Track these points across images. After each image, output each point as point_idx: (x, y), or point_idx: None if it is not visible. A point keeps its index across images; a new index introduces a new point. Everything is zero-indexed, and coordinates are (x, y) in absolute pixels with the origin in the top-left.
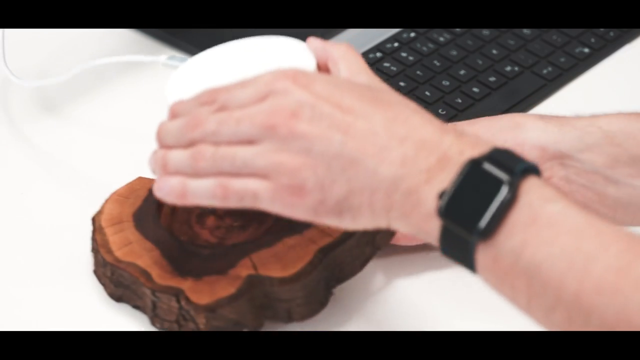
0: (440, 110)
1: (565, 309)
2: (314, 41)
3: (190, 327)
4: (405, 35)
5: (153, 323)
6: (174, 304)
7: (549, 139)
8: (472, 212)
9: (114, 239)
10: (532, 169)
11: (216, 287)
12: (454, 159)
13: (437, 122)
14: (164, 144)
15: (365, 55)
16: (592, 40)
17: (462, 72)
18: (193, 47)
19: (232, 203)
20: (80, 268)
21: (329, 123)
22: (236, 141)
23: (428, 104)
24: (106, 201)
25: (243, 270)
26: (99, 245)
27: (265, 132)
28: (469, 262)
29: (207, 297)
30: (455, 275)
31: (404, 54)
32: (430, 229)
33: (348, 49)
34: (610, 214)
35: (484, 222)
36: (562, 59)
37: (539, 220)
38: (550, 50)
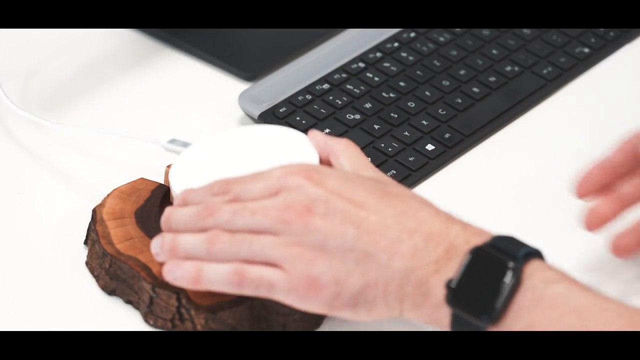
0: (440, 110)
1: None
2: (315, 134)
3: (185, 327)
4: (405, 35)
5: (146, 319)
6: (174, 302)
7: None
8: (479, 299)
9: (115, 232)
10: (534, 253)
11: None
12: (460, 248)
13: (443, 214)
14: (173, 229)
15: (365, 55)
16: (592, 40)
17: (462, 72)
18: (193, 47)
19: (247, 291)
20: (69, 260)
21: (343, 218)
22: (250, 231)
23: (428, 104)
24: (108, 196)
25: None
26: (99, 236)
27: (281, 225)
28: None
29: (209, 299)
30: None
31: (404, 54)
32: (441, 317)
33: (349, 143)
34: None
35: (491, 308)
36: (562, 59)
37: (543, 302)
38: (550, 50)
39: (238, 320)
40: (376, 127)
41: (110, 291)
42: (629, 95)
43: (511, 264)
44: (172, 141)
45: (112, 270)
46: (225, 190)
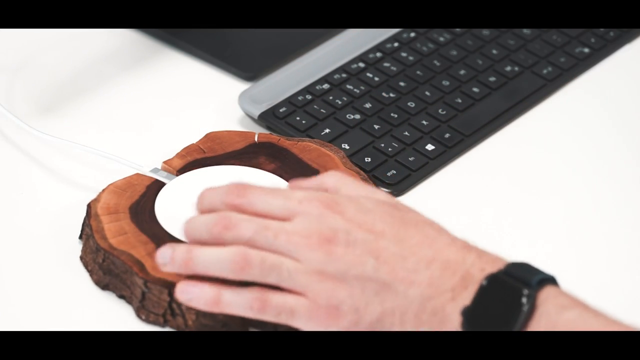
0: (440, 110)
1: None
2: (298, 183)
3: (177, 322)
4: (405, 35)
5: (138, 314)
6: (165, 296)
7: None
8: (494, 325)
9: (109, 227)
10: (548, 280)
11: None
12: (476, 276)
13: (459, 241)
14: (192, 238)
15: (365, 55)
16: (592, 40)
17: (462, 72)
18: (193, 47)
19: (268, 317)
20: (64, 254)
21: (363, 248)
22: (270, 252)
23: (428, 104)
24: (103, 191)
25: None
26: (93, 230)
27: (304, 251)
28: None
29: None
30: None
31: (404, 54)
32: None
33: (339, 173)
34: None
35: None
36: (562, 59)
37: (557, 327)
38: (550, 50)
39: (229, 317)
40: (376, 127)
41: (103, 286)
42: (629, 95)
43: (525, 291)
44: (154, 170)
45: (106, 264)
46: (242, 194)
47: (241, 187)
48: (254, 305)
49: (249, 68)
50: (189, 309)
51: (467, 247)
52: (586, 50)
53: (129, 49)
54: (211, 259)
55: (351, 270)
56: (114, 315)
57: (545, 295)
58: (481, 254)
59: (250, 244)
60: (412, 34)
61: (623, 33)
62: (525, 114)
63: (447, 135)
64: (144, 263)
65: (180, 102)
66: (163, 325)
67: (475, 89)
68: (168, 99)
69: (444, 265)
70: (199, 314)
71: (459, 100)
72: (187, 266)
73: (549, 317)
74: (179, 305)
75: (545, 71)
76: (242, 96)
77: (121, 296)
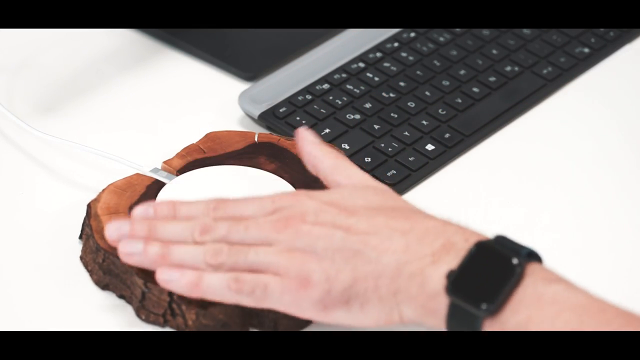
0: (440, 110)
1: None
2: (305, 139)
3: (177, 322)
4: (405, 35)
5: (138, 314)
6: (165, 297)
7: None
8: (480, 290)
9: None
10: (534, 255)
11: None
12: (459, 244)
13: (439, 218)
14: (159, 238)
15: (365, 55)
16: (592, 40)
17: (462, 72)
18: (193, 47)
19: (244, 296)
20: (64, 254)
21: (332, 224)
22: (245, 245)
23: (428, 104)
24: (103, 191)
25: None
26: (93, 230)
27: (273, 235)
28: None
29: None
30: None
31: (404, 54)
32: (437, 307)
33: (337, 155)
34: None
35: (492, 299)
36: (562, 59)
37: (543, 298)
38: (550, 50)
39: (229, 316)
40: (376, 127)
41: (103, 286)
42: (629, 95)
43: (515, 260)
44: (154, 170)
45: (106, 264)
46: (220, 207)
47: (219, 202)
48: (231, 285)
49: (249, 68)
50: (189, 309)
51: (447, 221)
52: (586, 50)
53: (129, 49)
54: (186, 254)
55: (319, 242)
56: (114, 315)
57: (533, 268)
58: (462, 227)
59: (226, 241)
60: (412, 34)
61: (623, 33)
62: (525, 114)
63: (447, 135)
64: None
65: (180, 102)
66: (163, 325)
67: (475, 89)
68: (168, 99)
69: (422, 233)
70: (199, 313)
71: (459, 100)
72: (164, 259)
73: (535, 287)
74: (179, 305)
75: (545, 71)
76: (242, 96)
77: (121, 296)
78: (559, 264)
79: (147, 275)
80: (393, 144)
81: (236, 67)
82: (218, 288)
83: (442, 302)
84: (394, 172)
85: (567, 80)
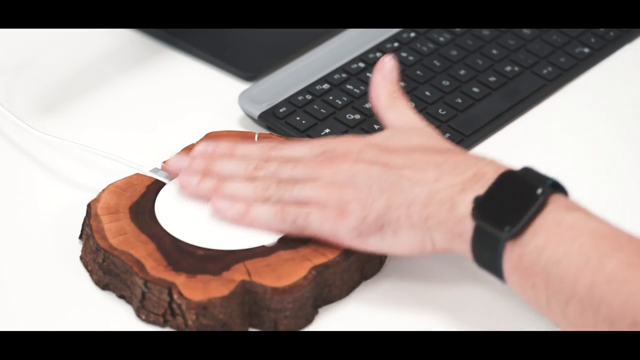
0: (440, 110)
1: (579, 301)
2: (384, 81)
3: (177, 322)
4: (405, 35)
5: (138, 314)
6: (165, 297)
7: None
8: (504, 215)
9: (109, 226)
10: (559, 186)
11: (209, 286)
12: (489, 174)
13: (476, 155)
14: (217, 173)
15: (365, 55)
16: (592, 40)
17: (462, 72)
18: (193, 47)
19: (287, 225)
20: (64, 254)
21: (371, 160)
22: (293, 180)
23: (428, 104)
24: (103, 191)
25: (237, 274)
26: (93, 230)
27: (317, 171)
28: (497, 262)
29: (200, 295)
30: (450, 283)
31: (404, 54)
32: (464, 230)
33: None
34: None
35: (514, 223)
36: (562, 59)
37: (562, 224)
38: (550, 50)
39: (230, 316)
40: (376, 127)
41: (103, 286)
42: (629, 95)
43: (539, 190)
44: (154, 170)
45: (106, 265)
46: (274, 149)
47: (274, 144)
48: (277, 214)
49: (249, 68)
50: (189, 309)
51: (480, 156)
52: (586, 50)
53: (129, 49)
54: (239, 188)
55: (357, 176)
56: (114, 315)
57: (556, 197)
58: (495, 161)
59: (276, 178)
60: (412, 34)
61: (623, 33)
62: (525, 114)
63: (447, 135)
64: (144, 263)
65: (180, 102)
66: (163, 325)
67: (475, 89)
68: (168, 99)
69: (455, 165)
70: (199, 313)
71: (459, 100)
72: (216, 191)
73: (556, 214)
74: (179, 305)
75: (545, 71)
76: (242, 96)
77: (121, 296)
78: None
79: (147, 274)
80: None
81: (236, 67)
82: (264, 217)
83: (468, 225)
84: None
85: (567, 80)
